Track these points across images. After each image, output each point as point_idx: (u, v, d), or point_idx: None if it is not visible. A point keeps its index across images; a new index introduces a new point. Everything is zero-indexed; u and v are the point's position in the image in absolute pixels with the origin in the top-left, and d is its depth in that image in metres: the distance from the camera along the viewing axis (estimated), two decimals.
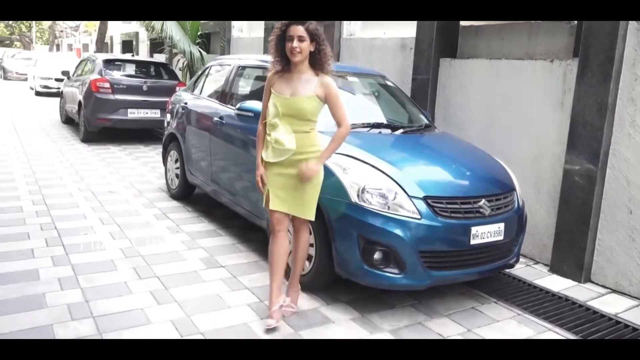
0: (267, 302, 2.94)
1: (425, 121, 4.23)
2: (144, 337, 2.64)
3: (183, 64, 9.74)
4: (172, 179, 5.38)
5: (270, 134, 2.76)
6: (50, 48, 30.27)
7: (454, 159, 3.56)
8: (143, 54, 15.24)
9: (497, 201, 3.19)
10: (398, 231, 2.86)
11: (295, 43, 2.68)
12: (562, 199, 3.92)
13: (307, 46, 2.71)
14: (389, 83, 4.51)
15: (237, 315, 2.94)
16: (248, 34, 9.51)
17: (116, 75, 8.66)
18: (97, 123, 8.22)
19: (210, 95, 4.93)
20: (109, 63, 8.84)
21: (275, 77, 2.83)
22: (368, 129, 3.68)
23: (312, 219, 2.86)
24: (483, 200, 3.09)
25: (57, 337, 2.57)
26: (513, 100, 4.45)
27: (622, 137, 3.62)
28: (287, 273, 3.12)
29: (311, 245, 3.19)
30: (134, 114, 8.28)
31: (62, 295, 3.02)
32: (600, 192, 3.73)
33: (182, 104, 5.21)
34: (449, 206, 2.98)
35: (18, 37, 33.32)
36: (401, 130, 3.86)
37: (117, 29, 18.68)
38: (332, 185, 3.04)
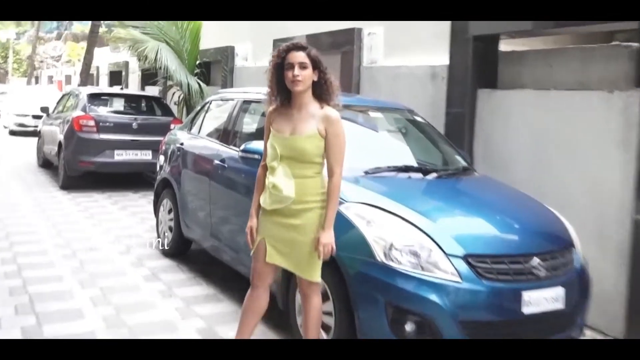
0: None
1: (463, 163, 4.24)
2: None
3: (179, 97, 9.98)
4: (164, 233, 5.41)
5: (268, 178, 2.80)
6: (29, 81, 31.39)
7: (498, 208, 3.53)
8: (133, 87, 15.69)
9: (553, 260, 3.13)
10: (434, 297, 2.81)
11: (297, 71, 2.72)
12: (634, 255, 3.83)
13: (309, 74, 2.75)
14: (418, 118, 4.55)
15: None
16: (253, 62, 9.77)
17: (102, 111, 8.91)
18: (79, 167, 8.39)
19: (210, 135, 5.03)
20: (95, 98, 9.11)
21: (275, 113, 2.88)
22: (395, 173, 3.70)
23: (318, 280, 2.85)
24: (536, 259, 3.04)
25: None
26: (566, 137, 4.44)
27: None
28: None
29: (328, 313, 3.14)
30: (121, 155, 8.45)
31: None
32: None
33: (178, 145, 5.30)
34: (494, 266, 2.94)
35: None
36: (434, 174, 3.87)
37: (105, 59, 19.35)
38: (353, 241, 3.02)
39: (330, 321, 3.15)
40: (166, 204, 5.40)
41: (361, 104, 4.72)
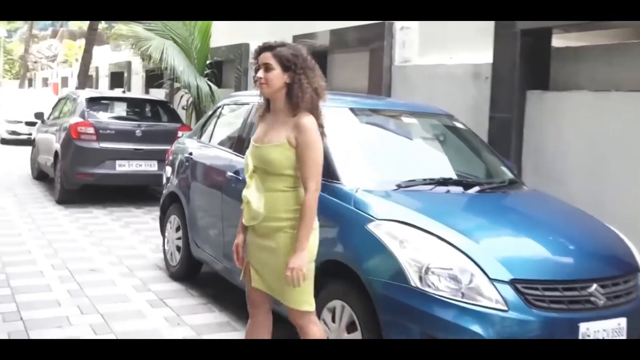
0: None
1: (510, 175, 4.23)
2: None
3: (187, 101, 10.12)
4: (171, 253, 5.50)
5: (243, 191, 2.90)
6: (21, 83, 32.21)
7: (550, 227, 3.52)
8: (137, 90, 16.00)
9: (614, 287, 3.11)
10: (476, 328, 2.81)
11: (260, 72, 2.83)
12: None
13: (275, 77, 2.81)
14: (458, 124, 4.57)
15: None
16: None
17: (102, 117, 9.10)
18: (77, 179, 8.56)
19: (222, 143, 5.10)
20: (94, 102, 9.32)
21: (260, 121, 3.00)
22: (432, 186, 3.71)
23: (307, 309, 2.86)
24: (595, 286, 3.02)
25: None
26: (629, 145, 4.41)
27: None
28: None
29: None
30: (124, 167, 8.60)
31: None
32: None
33: (186, 154, 5.40)
34: (546, 293, 2.93)
35: None
36: (477, 188, 3.87)
37: (105, 58, 19.77)
38: (383, 263, 3.05)
39: None
40: (173, 220, 5.49)
41: (392, 108, 4.75)
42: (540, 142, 5.06)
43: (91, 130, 8.58)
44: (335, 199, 3.48)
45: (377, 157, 4.00)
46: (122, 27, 10.40)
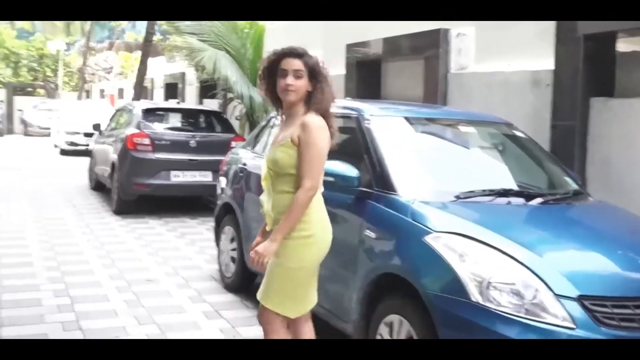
0: None
1: (574, 186, 4.14)
2: None
3: (241, 112, 10.28)
4: (226, 264, 5.57)
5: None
6: (79, 95, 33.33)
7: (619, 240, 3.44)
8: (191, 100, 16.34)
9: None
10: None
11: (290, 79, 2.82)
12: None
13: (304, 85, 2.85)
14: (518, 133, 4.49)
15: None
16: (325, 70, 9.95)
17: (158, 128, 9.33)
18: (134, 189, 8.80)
19: None
20: (149, 113, 9.56)
21: (281, 124, 3.07)
22: (492, 197, 3.66)
23: (262, 301, 2.97)
24: None
25: None
26: None
27: None
28: None
29: None
30: (178, 177, 8.79)
31: None
32: None
33: (240, 165, 5.47)
34: (616, 311, 2.84)
35: (42, 83, 37.13)
36: (539, 200, 3.79)
37: (160, 70, 20.28)
38: (442, 277, 3.02)
39: None
40: (228, 231, 5.56)
41: (449, 117, 4.71)
42: (605, 151, 4.93)
43: (147, 141, 8.80)
44: (391, 211, 3.47)
45: (434, 168, 3.97)
46: (176, 39, 10.66)
